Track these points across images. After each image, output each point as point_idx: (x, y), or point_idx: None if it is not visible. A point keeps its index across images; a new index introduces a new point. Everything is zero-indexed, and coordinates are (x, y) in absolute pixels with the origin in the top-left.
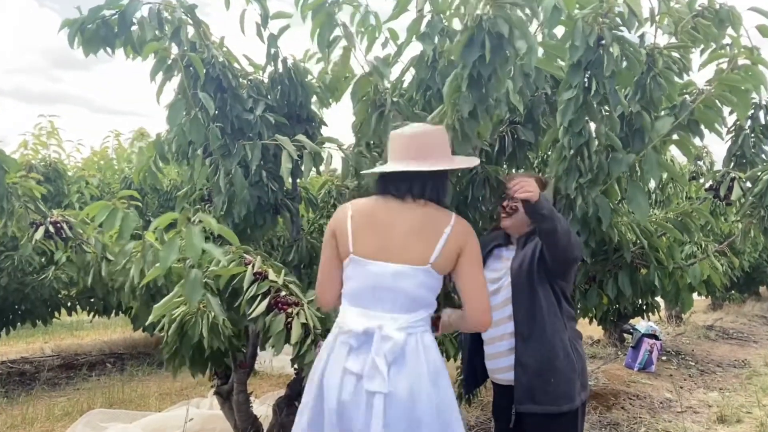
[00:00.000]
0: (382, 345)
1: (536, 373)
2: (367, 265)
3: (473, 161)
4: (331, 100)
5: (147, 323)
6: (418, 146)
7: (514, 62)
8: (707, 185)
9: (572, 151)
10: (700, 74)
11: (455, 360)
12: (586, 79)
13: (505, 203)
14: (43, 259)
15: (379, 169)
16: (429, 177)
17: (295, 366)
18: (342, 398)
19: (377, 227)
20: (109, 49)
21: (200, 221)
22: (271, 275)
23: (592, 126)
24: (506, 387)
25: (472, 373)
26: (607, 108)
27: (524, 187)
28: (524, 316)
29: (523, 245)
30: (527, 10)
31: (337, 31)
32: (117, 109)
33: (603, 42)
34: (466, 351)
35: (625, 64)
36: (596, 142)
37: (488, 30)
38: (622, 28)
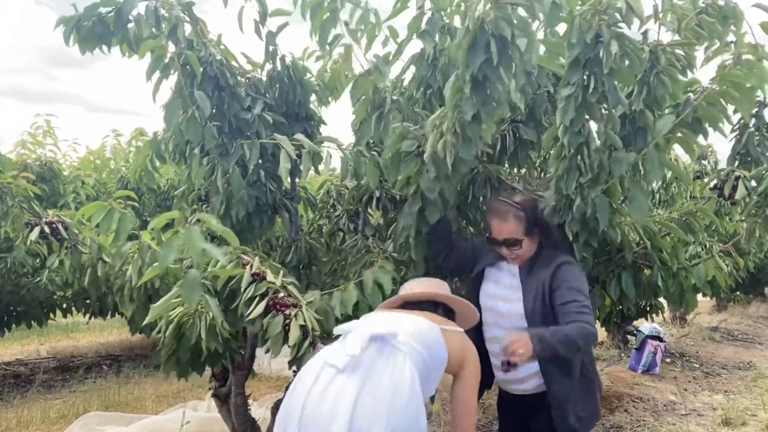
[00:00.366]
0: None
1: (570, 414)
2: None
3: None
4: (330, 99)
5: (144, 324)
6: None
7: (516, 61)
8: (711, 184)
9: (572, 150)
10: (705, 72)
11: None
12: (585, 77)
13: (506, 253)
14: (36, 261)
15: None
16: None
17: (294, 368)
18: None
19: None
20: (105, 47)
21: (200, 221)
22: (270, 276)
23: (593, 125)
24: (516, 396)
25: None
26: (606, 106)
27: (516, 352)
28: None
29: (528, 272)
30: (522, 11)
31: (339, 29)
32: (115, 108)
33: (601, 39)
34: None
35: (626, 62)
36: (596, 141)
37: (492, 32)
38: (621, 24)
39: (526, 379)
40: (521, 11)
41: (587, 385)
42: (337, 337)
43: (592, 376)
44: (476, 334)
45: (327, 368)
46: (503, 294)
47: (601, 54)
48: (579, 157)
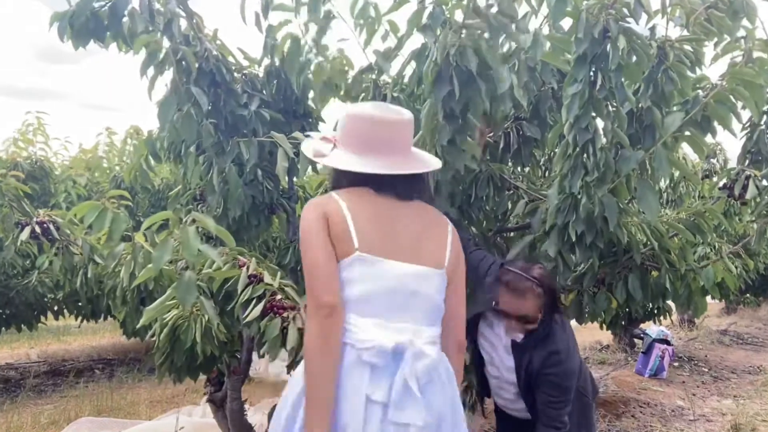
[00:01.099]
0: (416, 364)
1: None
2: (379, 263)
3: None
4: (329, 96)
5: (138, 327)
6: (406, 138)
7: (518, 56)
8: (721, 184)
9: (578, 148)
10: (715, 68)
11: None
12: (591, 73)
13: (515, 326)
14: (27, 262)
15: (388, 170)
16: (423, 174)
17: (291, 373)
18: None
19: (382, 222)
20: (99, 43)
21: (195, 221)
22: (267, 278)
23: (599, 122)
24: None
25: (484, 383)
26: (614, 103)
27: None
28: (531, 407)
29: (520, 352)
30: (532, 1)
31: (339, 31)
32: (108, 105)
33: (609, 34)
34: (477, 360)
35: (633, 58)
36: (603, 139)
37: (456, 65)
38: (629, 19)
39: (523, 410)
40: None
41: (583, 411)
42: None
43: (587, 397)
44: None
45: (373, 406)
46: (495, 356)
47: (608, 49)
48: (585, 155)
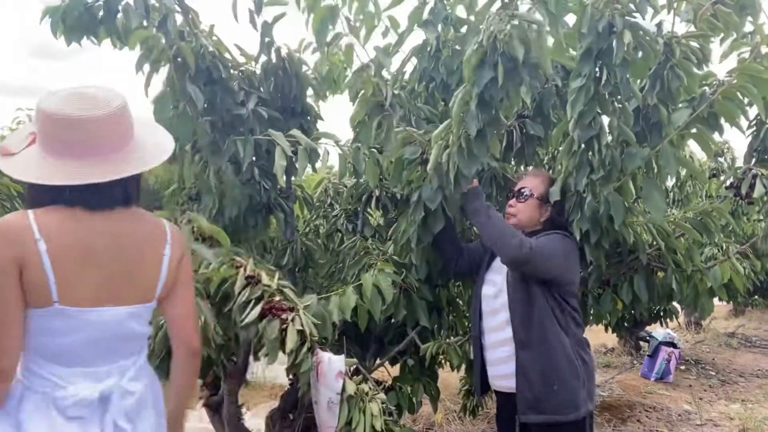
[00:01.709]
0: (123, 403)
1: (539, 382)
2: (84, 315)
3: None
4: (328, 93)
5: None
6: (113, 135)
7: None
8: (728, 183)
9: (582, 146)
10: (722, 65)
11: (458, 371)
12: (596, 69)
13: (509, 204)
14: None
15: (83, 179)
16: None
17: (290, 376)
18: None
19: (89, 256)
20: (93, 38)
21: (190, 221)
22: (265, 279)
23: (605, 119)
24: (508, 395)
25: (483, 378)
26: (619, 99)
27: None
28: (520, 322)
29: None
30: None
31: (339, 27)
32: None
33: (614, 29)
34: (479, 355)
35: (640, 54)
36: (608, 136)
37: (503, 51)
38: (635, 14)
39: (512, 375)
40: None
41: (570, 376)
42: (338, 343)
43: (579, 369)
44: (477, 328)
45: None
46: (497, 279)
47: (613, 44)
48: (590, 152)
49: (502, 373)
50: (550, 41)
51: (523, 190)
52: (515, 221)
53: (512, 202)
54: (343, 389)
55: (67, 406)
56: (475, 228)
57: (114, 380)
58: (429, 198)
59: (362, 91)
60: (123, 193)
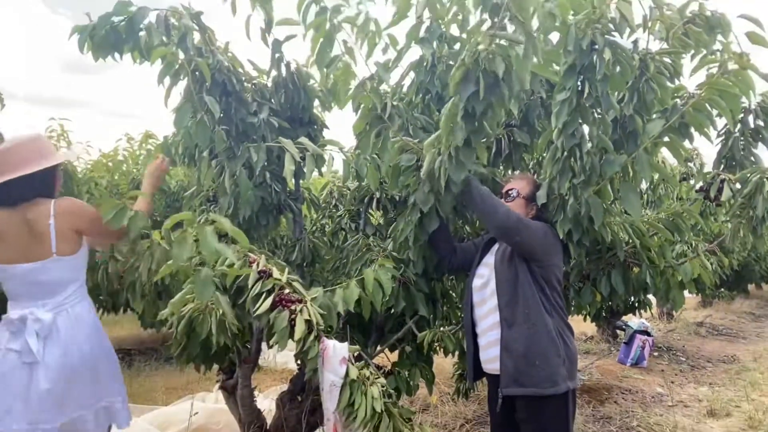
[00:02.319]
0: (33, 326)
1: (520, 357)
2: (10, 270)
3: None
4: (333, 104)
5: (159, 318)
6: (7, 160)
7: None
8: (698, 186)
9: (565, 153)
10: (692, 79)
11: (453, 355)
12: (579, 83)
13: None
14: None
15: None
16: (28, 178)
17: (298, 362)
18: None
19: (5, 233)
20: (117, 55)
21: (213, 221)
22: (275, 273)
23: (586, 129)
24: (496, 376)
25: (475, 365)
26: (599, 111)
27: None
28: (507, 302)
29: None
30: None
31: (337, 50)
32: (126, 113)
33: (596, 47)
34: (471, 343)
35: (618, 68)
36: (589, 144)
37: (484, 68)
38: (614, 33)
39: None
40: (518, 50)
41: (552, 354)
42: (342, 331)
43: (562, 349)
44: (469, 319)
45: (10, 353)
46: (485, 272)
47: (595, 60)
48: (572, 159)
49: (492, 356)
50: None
51: (510, 192)
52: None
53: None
54: (347, 374)
55: (6, 323)
56: (472, 218)
57: (29, 310)
58: (422, 201)
59: (363, 105)
60: (17, 193)
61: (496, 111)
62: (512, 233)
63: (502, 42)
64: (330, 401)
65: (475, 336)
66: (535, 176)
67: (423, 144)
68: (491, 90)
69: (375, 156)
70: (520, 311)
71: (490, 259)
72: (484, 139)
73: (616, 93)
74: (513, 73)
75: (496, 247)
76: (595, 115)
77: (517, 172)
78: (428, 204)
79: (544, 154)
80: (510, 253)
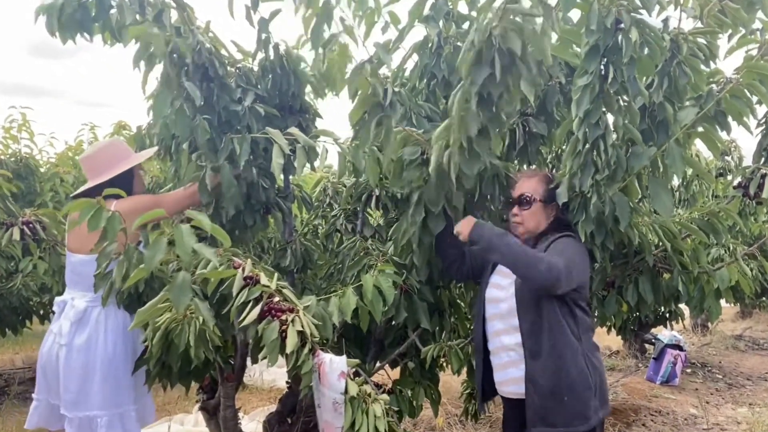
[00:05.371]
0: (69, 312)
1: (548, 393)
2: (71, 257)
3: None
4: (326, 90)
5: (130, 330)
6: (92, 166)
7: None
8: (735, 182)
9: (588, 145)
10: (729, 62)
11: (458, 375)
12: (602, 66)
13: (513, 213)
14: (11, 264)
15: (78, 192)
16: (108, 183)
17: (288, 380)
18: (42, 351)
19: (77, 227)
20: (87, 35)
21: (191, 220)
22: (263, 280)
23: (610, 118)
24: (515, 401)
25: (484, 385)
26: (625, 98)
27: (457, 228)
28: (529, 330)
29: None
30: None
31: (334, 27)
32: (97, 101)
33: (621, 26)
34: (480, 361)
35: (646, 50)
36: (614, 135)
37: (498, 47)
38: (641, 11)
39: (522, 380)
40: (537, 22)
41: (579, 385)
42: (337, 345)
43: (590, 378)
44: (481, 333)
45: (51, 334)
46: (503, 282)
47: (620, 41)
48: (595, 152)
49: (508, 378)
50: (554, 38)
51: (524, 197)
52: (523, 230)
53: (515, 210)
54: (346, 390)
55: (56, 305)
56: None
57: (71, 296)
58: (431, 200)
59: (360, 91)
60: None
61: (514, 94)
62: (555, 287)
63: (517, 18)
64: (337, 419)
65: (486, 352)
66: (554, 171)
67: (429, 135)
68: (508, 71)
69: (375, 148)
70: (545, 341)
71: (507, 272)
72: (499, 129)
73: (644, 78)
74: (530, 51)
75: None
76: (621, 102)
77: (533, 167)
78: (439, 204)
79: (563, 147)
80: None
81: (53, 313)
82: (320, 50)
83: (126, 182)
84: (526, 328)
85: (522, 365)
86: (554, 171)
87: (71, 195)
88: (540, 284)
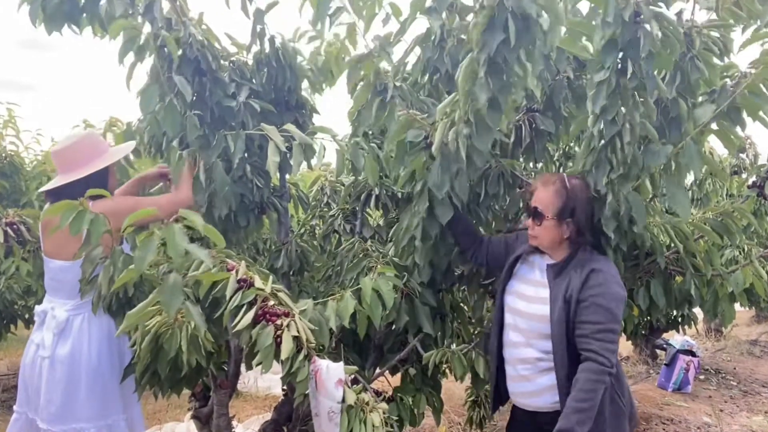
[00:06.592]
0: (51, 322)
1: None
2: (49, 263)
3: (121, 152)
4: (324, 85)
5: (117, 335)
6: (65, 160)
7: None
8: (750, 181)
9: (602, 142)
10: (744, 56)
11: (462, 381)
12: (619, 61)
13: (528, 225)
14: None
15: (46, 188)
16: (84, 181)
17: (284, 387)
18: (24, 362)
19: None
20: (74, 27)
21: (183, 219)
22: (258, 283)
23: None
24: (531, 413)
25: (497, 393)
26: (642, 94)
27: None
28: (562, 359)
29: (559, 272)
30: None
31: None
32: (86, 96)
33: (639, 18)
34: (494, 369)
35: (664, 44)
36: (629, 132)
37: (512, 10)
38: (660, 3)
39: (541, 392)
40: None
41: (616, 413)
42: (335, 351)
43: (622, 402)
44: (497, 339)
45: (32, 345)
46: (527, 292)
47: (638, 35)
48: (610, 149)
49: (525, 391)
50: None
51: (536, 211)
52: (537, 243)
53: (529, 223)
54: (343, 399)
55: (36, 313)
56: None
57: (52, 305)
58: (436, 184)
59: (363, 80)
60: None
61: (532, 61)
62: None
63: None
64: (332, 429)
65: (501, 359)
66: (561, 169)
67: (433, 119)
68: (523, 36)
69: (374, 144)
70: (574, 358)
71: (529, 276)
72: (510, 96)
73: (659, 73)
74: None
75: (540, 264)
76: (637, 98)
77: (540, 165)
78: (444, 188)
79: (572, 144)
80: (565, 316)
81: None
82: (323, 28)
83: (102, 180)
84: (558, 359)
85: (538, 379)
86: (562, 169)
87: (40, 190)
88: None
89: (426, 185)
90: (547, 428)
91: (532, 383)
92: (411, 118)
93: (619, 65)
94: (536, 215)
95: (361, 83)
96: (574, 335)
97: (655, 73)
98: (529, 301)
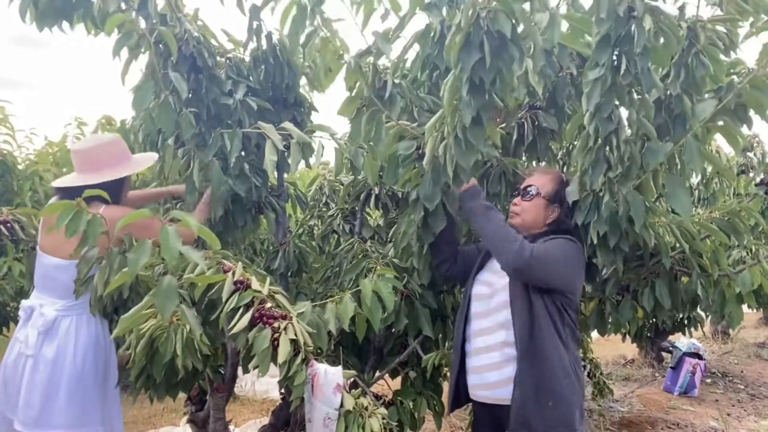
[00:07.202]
0: (37, 320)
1: (532, 397)
2: (43, 258)
3: (148, 161)
4: (323, 83)
5: (112, 338)
6: (87, 160)
7: (533, 38)
8: (758, 180)
9: (599, 141)
10: (751, 52)
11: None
12: (614, 57)
13: (514, 203)
14: None
15: (60, 183)
16: (101, 185)
17: (282, 390)
18: (6, 361)
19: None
20: (66, 24)
21: (178, 220)
22: (255, 284)
23: (624, 112)
24: (489, 407)
25: (456, 392)
26: (639, 90)
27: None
28: (521, 328)
29: None
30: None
31: (314, 22)
32: (79, 94)
33: (634, 13)
34: (456, 368)
35: (661, 40)
36: (628, 131)
37: (487, 29)
38: None
39: (506, 383)
40: (527, 5)
41: (569, 388)
42: (334, 354)
43: (574, 380)
44: (461, 334)
45: (16, 342)
46: (491, 279)
47: (633, 30)
48: (607, 147)
49: (489, 382)
50: (564, 26)
51: (529, 188)
52: (519, 221)
53: (517, 200)
54: (341, 404)
55: (21, 308)
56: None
57: (40, 302)
58: (427, 197)
59: (359, 81)
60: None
61: (507, 79)
62: (524, 271)
63: None
64: None
65: (463, 354)
66: (564, 168)
67: (422, 129)
68: (498, 54)
69: (372, 144)
70: (534, 341)
71: (498, 267)
72: (493, 117)
73: (659, 70)
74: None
75: None
76: (635, 95)
77: (542, 164)
78: (435, 200)
79: (575, 142)
80: (525, 284)
81: None
82: (300, 51)
83: (118, 188)
84: (518, 324)
85: (502, 368)
86: (565, 168)
87: (54, 183)
88: (508, 262)
89: (420, 195)
90: (505, 423)
91: (495, 373)
92: (401, 129)
93: (614, 62)
94: (527, 192)
95: (356, 86)
96: (531, 305)
97: (659, 70)
98: (492, 286)
